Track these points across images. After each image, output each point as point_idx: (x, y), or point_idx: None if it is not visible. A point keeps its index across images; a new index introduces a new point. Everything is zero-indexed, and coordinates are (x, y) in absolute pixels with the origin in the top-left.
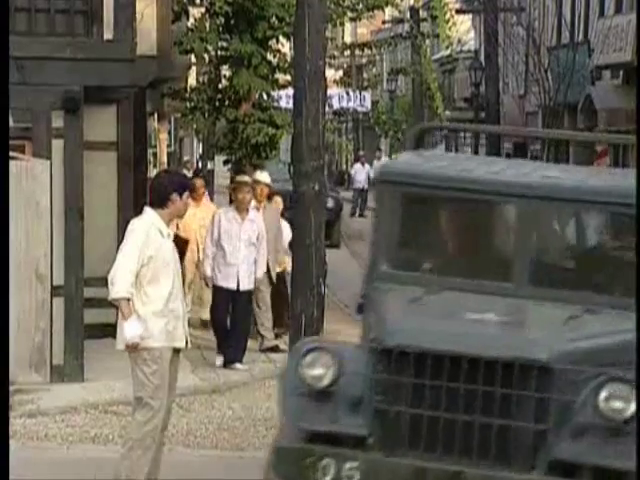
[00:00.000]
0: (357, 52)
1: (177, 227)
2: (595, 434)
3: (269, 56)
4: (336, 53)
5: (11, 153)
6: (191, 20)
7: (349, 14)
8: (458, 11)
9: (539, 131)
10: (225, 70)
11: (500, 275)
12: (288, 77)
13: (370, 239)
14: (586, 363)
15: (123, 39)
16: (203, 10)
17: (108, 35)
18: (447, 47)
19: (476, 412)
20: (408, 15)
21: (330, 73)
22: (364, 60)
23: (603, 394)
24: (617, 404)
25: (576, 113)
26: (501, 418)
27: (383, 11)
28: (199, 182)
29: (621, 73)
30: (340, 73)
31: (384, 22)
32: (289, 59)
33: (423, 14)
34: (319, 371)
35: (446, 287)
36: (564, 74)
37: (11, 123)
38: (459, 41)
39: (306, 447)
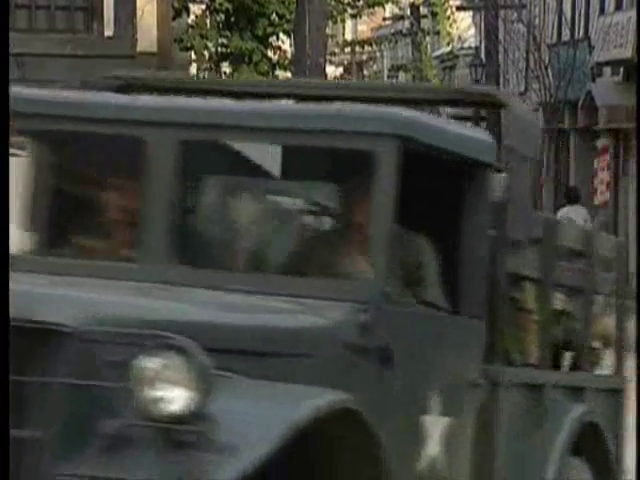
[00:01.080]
0: (357, 49)
1: None
2: (134, 443)
3: (269, 53)
4: (336, 50)
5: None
6: (191, 17)
7: (349, 11)
8: (459, 8)
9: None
10: (225, 67)
11: (127, 251)
12: (288, 74)
13: None
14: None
15: (123, 36)
16: (203, 7)
17: (108, 32)
18: (448, 44)
19: None
20: (408, 12)
21: (330, 70)
22: (364, 57)
23: (145, 372)
24: (160, 392)
25: (576, 110)
26: None
27: (383, 8)
28: None
29: (621, 70)
30: (340, 70)
31: (384, 19)
32: (289, 56)
33: (423, 11)
34: None
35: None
36: (564, 71)
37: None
38: (459, 38)
39: None
